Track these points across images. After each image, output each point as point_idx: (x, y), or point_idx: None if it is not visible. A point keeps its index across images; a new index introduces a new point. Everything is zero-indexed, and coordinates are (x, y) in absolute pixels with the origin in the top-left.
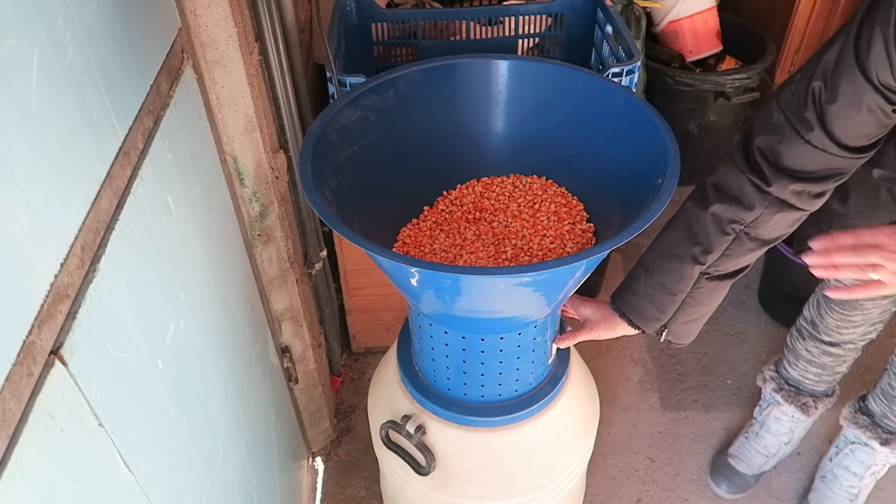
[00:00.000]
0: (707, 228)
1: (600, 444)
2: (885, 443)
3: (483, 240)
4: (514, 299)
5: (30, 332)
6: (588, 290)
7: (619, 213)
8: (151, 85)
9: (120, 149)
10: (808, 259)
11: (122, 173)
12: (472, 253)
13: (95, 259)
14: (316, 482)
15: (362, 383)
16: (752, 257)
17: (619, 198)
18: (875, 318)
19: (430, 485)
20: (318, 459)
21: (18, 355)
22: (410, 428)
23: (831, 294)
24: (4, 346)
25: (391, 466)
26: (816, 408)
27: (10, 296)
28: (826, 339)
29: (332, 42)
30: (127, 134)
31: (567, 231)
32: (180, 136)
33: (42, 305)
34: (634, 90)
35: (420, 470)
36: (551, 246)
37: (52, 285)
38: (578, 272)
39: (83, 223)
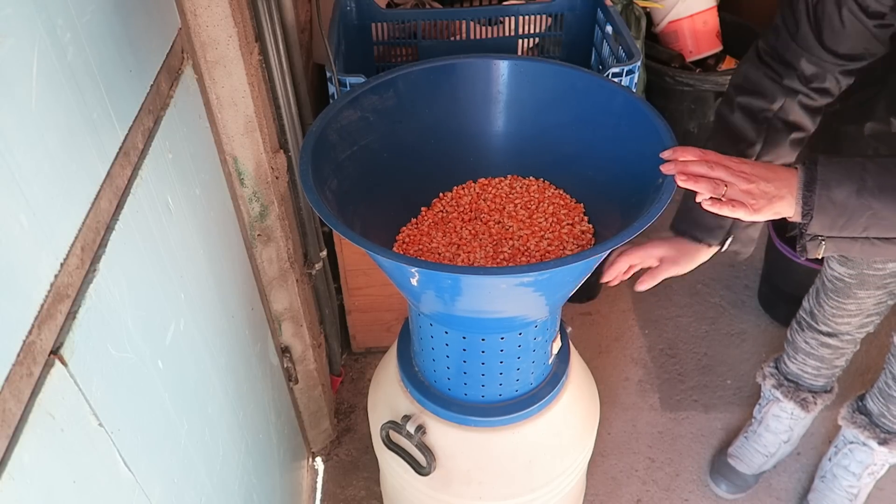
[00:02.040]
0: (741, 124)
1: (600, 444)
2: (883, 442)
3: (480, 240)
4: (514, 299)
5: (30, 332)
6: (588, 290)
7: (619, 214)
8: (151, 85)
9: (120, 149)
10: (664, 167)
11: (122, 173)
12: (469, 252)
13: (95, 259)
14: (316, 482)
15: (362, 383)
16: (794, 148)
17: (619, 198)
18: (870, 308)
19: (431, 485)
20: (318, 459)
21: (18, 355)
22: (411, 428)
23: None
24: (4, 346)
25: (391, 466)
26: (816, 403)
27: (10, 296)
28: (824, 328)
29: (332, 42)
30: (127, 134)
31: (566, 232)
32: (180, 136)
33: (42, 305)
34: (634, 90)
35: (420, 470)
36: (549, 248)
37: (52, 285)
38: (579, 272)
39: (83, 223)
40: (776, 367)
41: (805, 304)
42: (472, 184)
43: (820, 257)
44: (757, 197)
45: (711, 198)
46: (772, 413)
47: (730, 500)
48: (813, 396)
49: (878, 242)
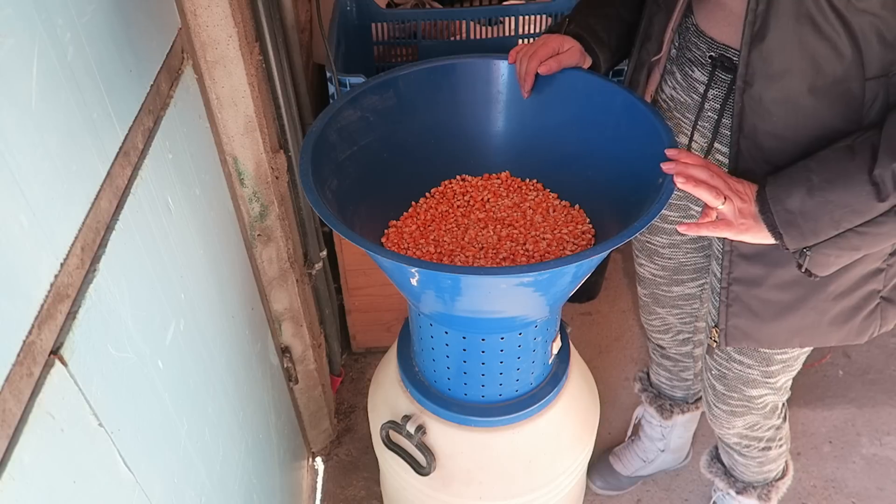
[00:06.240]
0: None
1: (600, 444)
2: (740, 492)
3: (479, 239)
4: (514, 299)
5: (30, 332)
6: (588, 290)
7: (619, 213)
8: (151, 85)
9: (120, 149)
10: (665, 166)
11: (122, 173)
12: (469, 253)
13: (95, 259)
14: (316, 482)
15: (362, 383)
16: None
17: (618, 198)
18: (677, 325)
19: (431, 485)
20: (318, 459)
21: (18, 355)
22: (411, 428)
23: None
24: (4, 346)
25: (391, 466)
26: (672, 412)
27: (10, 296)
28: (654, 341)
29: (332, 42)
30: (127, 134)
31: (566, 232)
32: (180, 136)
33: (42, 305)
34: None
35: (420, 470)
36: (549, 248)
37: (52, 285)
38: (579, 272)
39: (83, 223)
40: (646, 373)
41: None
42: (471, 179)
43: (828, 272)
44: (746, 217)
45: (693, 223)
46: (644, 417)
47: (608, 497)
48: (670, 405)
49: (867, 229)
